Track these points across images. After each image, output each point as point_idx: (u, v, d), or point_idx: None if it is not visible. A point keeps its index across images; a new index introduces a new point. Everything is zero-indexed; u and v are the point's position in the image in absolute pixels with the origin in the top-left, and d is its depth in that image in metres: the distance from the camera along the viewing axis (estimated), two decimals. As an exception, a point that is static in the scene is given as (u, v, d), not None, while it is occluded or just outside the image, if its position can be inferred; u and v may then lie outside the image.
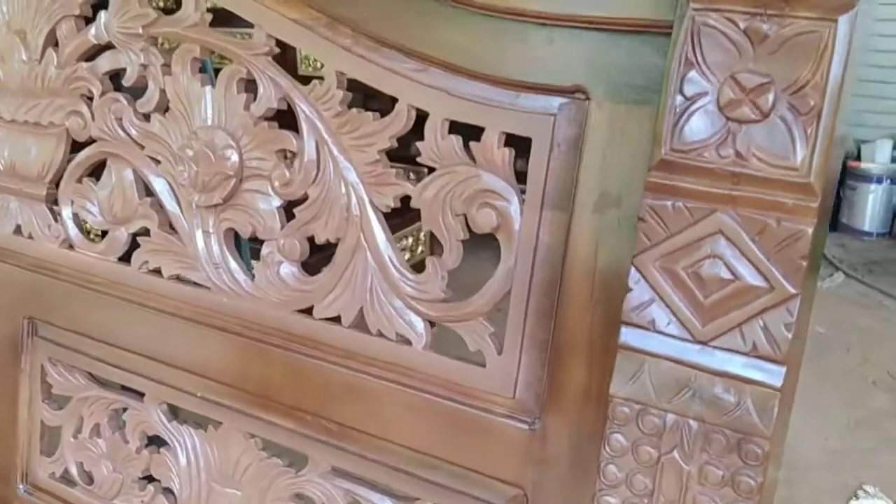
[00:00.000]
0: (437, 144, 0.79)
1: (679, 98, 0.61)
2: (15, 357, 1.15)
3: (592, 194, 0.71)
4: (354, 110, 0.84)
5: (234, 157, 0.91)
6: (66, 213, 1.07)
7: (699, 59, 0.61)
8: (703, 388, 0.63)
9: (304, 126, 0.87)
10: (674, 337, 0.63)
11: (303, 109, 0.86)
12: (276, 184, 0.89)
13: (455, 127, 0.79)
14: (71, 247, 1.08)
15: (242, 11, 0.88)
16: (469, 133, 0.78)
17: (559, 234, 0.74)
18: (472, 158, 0.77)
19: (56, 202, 1.09)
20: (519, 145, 0.76)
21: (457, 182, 0.78)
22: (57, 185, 1.08)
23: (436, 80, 0.78)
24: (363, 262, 0.85)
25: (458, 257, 0.80)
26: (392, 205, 0.83)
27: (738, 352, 0.62)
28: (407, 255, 3.34)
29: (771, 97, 0.59)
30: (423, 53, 0.78)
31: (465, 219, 0.79)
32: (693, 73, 0.61)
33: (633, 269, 0.64)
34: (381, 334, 0.85)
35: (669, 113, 0.61)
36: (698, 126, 0.61)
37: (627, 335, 0.65)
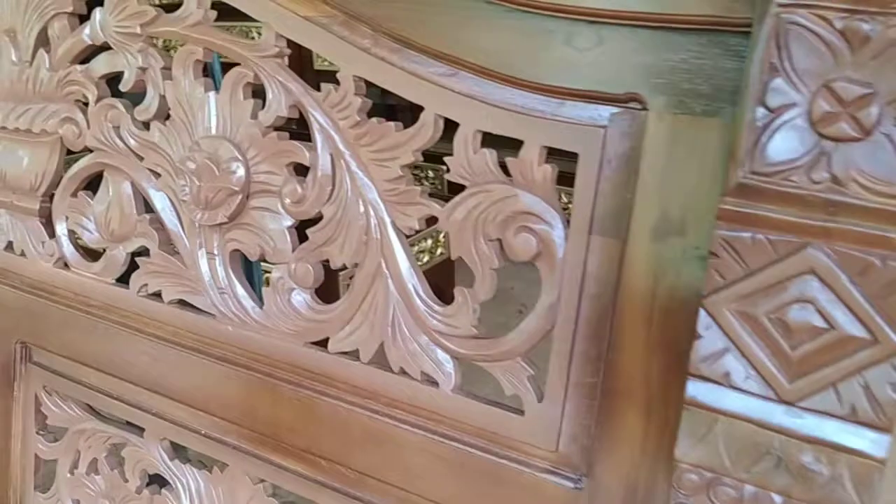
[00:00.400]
0: (468, 159, 0.69)
1: (761, 111, 0.51)
2: (7, 384, 1.07)
3: (650, 219, 0.61)
4: (374, 120, 0.74)
5: (240, 171, 0.81)
6: (61, 229, 0.99)
7: (786, 64, 0.50)
8: (790, 457, 0.52)
9: (317, 137, 0.77)
10: (753, 394, 0.53)
11: (316, 118, 0.77)
12: (287, 201, 0.80)
13: (488, 139, 0.69)
14: (66, 266, 0.99)
15: (249, 8, 0.79)
16: (505, 146, 0.69)
17: (610, 264, 0.64)
18: (509, 176, 0.67)
19: (50, 217, 1.00)
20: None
21: (491, 202, 0.68)
22: (51, 199, 1.00)
23: (467, 86, 0.68)
24: (384, 292, 0.76)
25: (491, 288, 0.70)
26: (417, 227, 0.73)
27: (832, 415, 0.51)
28: (426, 258, 3.24)
29: (874, 111, 0.48)
30: (452, 56, 0.69)
31: (500, 244, 0.69)
32: (778, 82, 0.50)
33: (702, 313, 0.54)
34: (403, 373, 0.75)
35: (749, 128, 0.51)
36: (785, 144, 0.50)
37: (696, 390, 0.55)
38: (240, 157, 0.81)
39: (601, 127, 0.63)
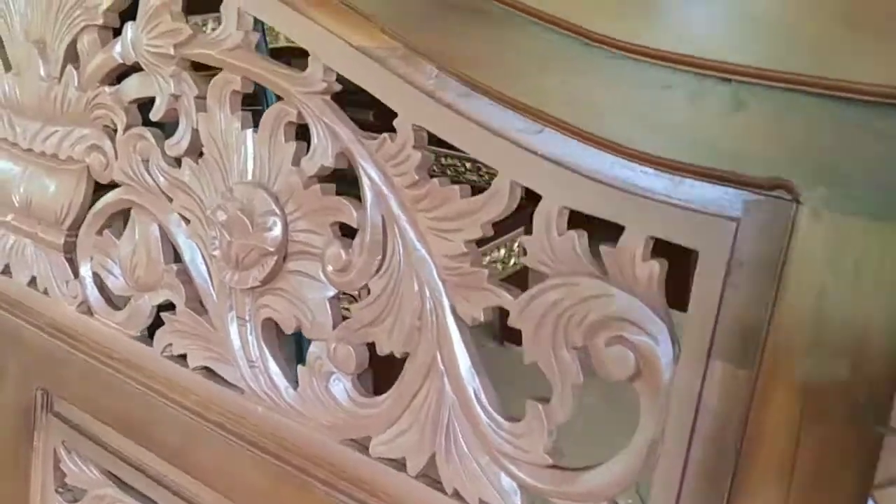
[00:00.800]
0: (550, 242, 0.54)
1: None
2: (28, 430, 0.96)
3: (798, 351, 0.45)
4: (436, 181, 0.59)
5: (277, 229, 0.68)
6: (85, 270, 0.87)
7: None
8: None
9: (367, 195, 0.63)
10: None
11: (367, 171, 0.63)
12: (329, 268, 0.66)
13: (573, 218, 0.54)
14: (90, 311, 0.88)
15: (294, 33, 0.65)
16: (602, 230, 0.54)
17: (736, 400, 0.48)
18: (603, 269, 0.52)
19: (75, 254, 0.89)
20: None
21: (577, 300, 0.53)
22: (77, 234, 0.88)
23: (554, 147, 0.53)
24: (438, 392, 0.61)
25: (572, 408, 0.55)
26: (482, 318, 0.58)
27: None
28: (498, 268, 3.05)
29: None
30: (537, 108, 0.53)
31: (587, 353, 0.54)
32: None
33: (874, 508, 0.38)
34: (458, 496, 0.61)
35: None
36: None
37: None
38: (277, 212, 0.68)
39: (732, 219, 0.47)
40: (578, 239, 0.53)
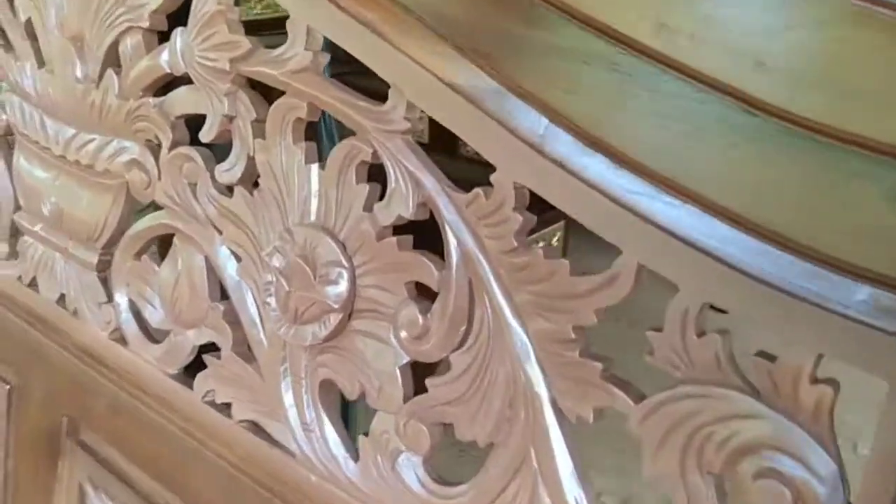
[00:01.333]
0: (685, 344, 0.45)
1: None
2: (52, 458, 0.89)
3: None
4: (540, 251, 0.50)
5: (343, 283, 0.59)
6: (120, 295, 0.79)
7: None
8: None
9: (453, 255, 0.54)
10: None
11: (454, 228, 0.54)
12: (404, 334, 0.57)
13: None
14: (123, 340, 0.79)
15: (375, 62, 0.56)
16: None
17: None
18: (753, 387, 0.43)
19: (109, 274, 0.80)
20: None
21: (718, 417, 0.44)
22: (112, 253, 0.80)
23: (695, 229, 0.44)
24: (530, 494, 0.52)
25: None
26: (590, 419, 0.50)
27: None
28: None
29: None
30: (674, 181, 0.44)
31: (724, 481, 0.45)
32: None
33: None
34: None
35: None
36: None
37: None
38: (344, 263, 0.59)
39: (936, 348, 0.38)
40: (722, 344, 0.44)
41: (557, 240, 2.97)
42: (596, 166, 0.47)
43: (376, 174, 0.59)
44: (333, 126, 1.20)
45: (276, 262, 0.62)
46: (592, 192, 0.47)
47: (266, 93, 0.65)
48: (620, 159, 0.46)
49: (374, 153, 0.57)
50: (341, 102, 0.58)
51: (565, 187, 0.48)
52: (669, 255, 0.45)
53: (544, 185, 0.49)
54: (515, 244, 0.51)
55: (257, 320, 0.67)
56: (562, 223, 2.50)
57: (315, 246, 0.60)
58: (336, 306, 0.59)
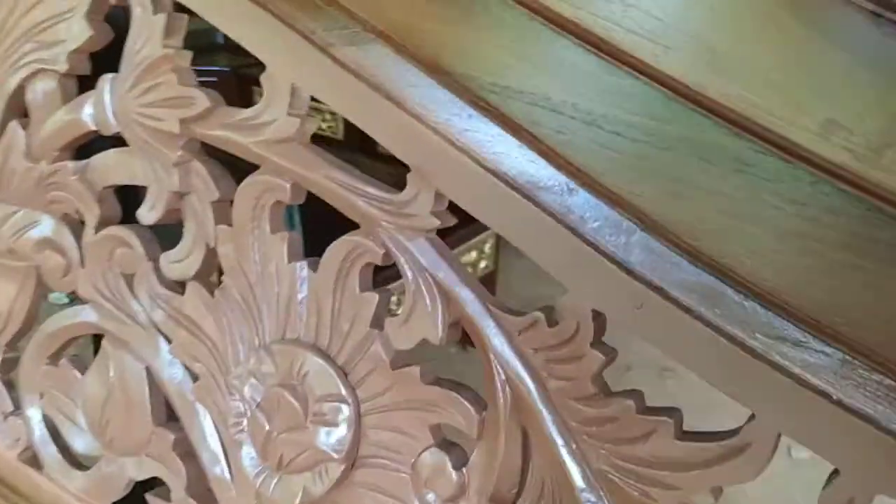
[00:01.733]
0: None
1: None
2: None
3: None
4: (633, 405, 0.37)
5: (345, 426, 0.44)
6: (32, 409, 0.62)
7: None
8: None
9: (499, 394, 0.40)
10: None
11: (501, 360, 0.40)
12: (431, 496, 0.43)
13: None
14: (37, 464, 0.63)
15: (391, 141, 0.42)
16: None
17: None
18: None
19: (17, 378, 0.64)
20: None
21: None
22: (20, 352, 0.63)
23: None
24: None
25: None
26: None
27: None
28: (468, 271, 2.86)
29: None
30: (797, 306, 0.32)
31: None
32: None
33: None
34: None
35: None
36: None
37: None
38: (346, 398, 0.44)
39: None
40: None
41: (490, 247, 2.86)
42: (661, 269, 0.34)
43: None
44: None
45: (250, 391, 0.47)
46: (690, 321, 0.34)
47: (230, 161, 0.50)
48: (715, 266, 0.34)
49: (386, 254, 0.43)
50: (340, 185, 0.44)
51: (663, 328, 0.35)
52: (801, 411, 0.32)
53: (617, 300, 0.36)
54: (593, 390, 0.38)
55: (221, 457, 0.52)
56: (492, 231, 2.39)
57: (307, 371, 0.45)
58: (336, 456, 0.45)
